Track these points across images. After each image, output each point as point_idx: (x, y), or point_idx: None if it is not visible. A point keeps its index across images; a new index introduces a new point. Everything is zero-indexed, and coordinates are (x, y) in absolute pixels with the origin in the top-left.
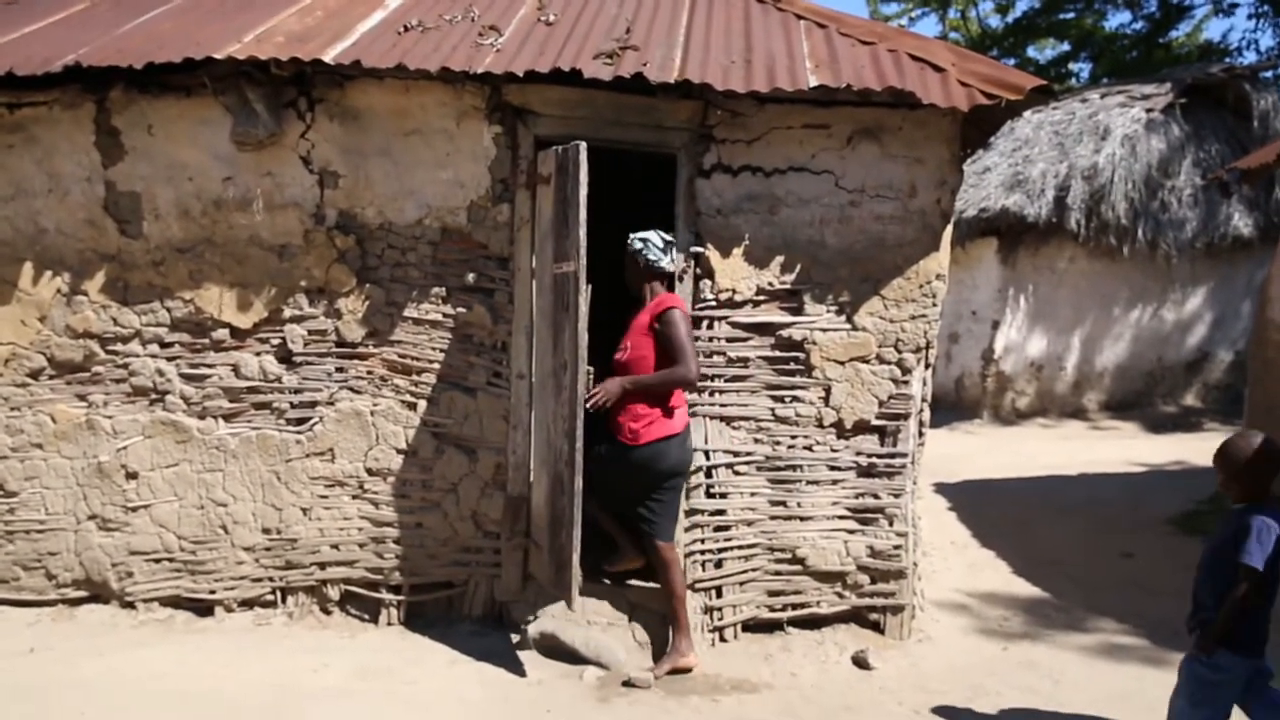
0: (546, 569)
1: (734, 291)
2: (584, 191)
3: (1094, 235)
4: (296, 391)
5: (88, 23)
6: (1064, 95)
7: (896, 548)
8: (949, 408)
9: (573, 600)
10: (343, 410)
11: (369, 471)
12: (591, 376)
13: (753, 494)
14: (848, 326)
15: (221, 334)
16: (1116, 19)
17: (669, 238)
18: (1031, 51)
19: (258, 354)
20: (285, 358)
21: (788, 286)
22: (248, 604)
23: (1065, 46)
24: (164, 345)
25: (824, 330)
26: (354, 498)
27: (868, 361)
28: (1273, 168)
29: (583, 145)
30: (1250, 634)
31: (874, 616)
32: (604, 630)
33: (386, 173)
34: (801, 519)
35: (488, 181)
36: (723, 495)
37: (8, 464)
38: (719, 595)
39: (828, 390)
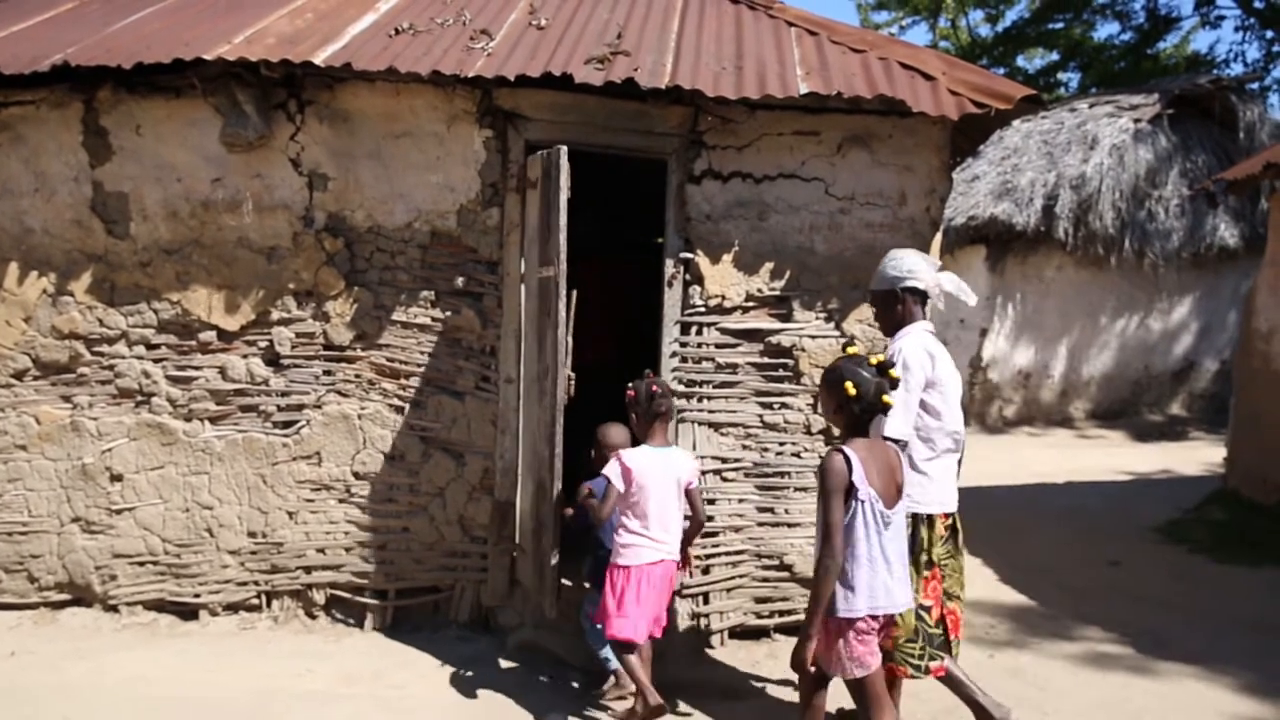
0: (531, 575)
1: (723, 298)
2: (565, 196)
3: (1081, 244)
4: (283, 394)
5: (76, 22)
6: (1053, 105)
7: None
8: None
9: (551, 606)
10: (330, 413)
11: (356, 475)
12: (572, 382)
13: (740, 500)
14: (836, 333)
15: (208, 336)
16: (1105, 29)
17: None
18: (1020, 61)
19: (245, 356)
20: (272, 360)
21: (777, 293)
22: (232, 608)
23: (1054, 56)
24: (150, 347)
25: (813, 337)
26: (340, 501)
27: None
28: (1258, 179)
29: (564, 150)
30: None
31: None
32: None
33: (376, 176)
34: (789, 525)
35: (478, 185)
36: (710, 501)
37: None
38: (706, 602)
39: (816, 397)
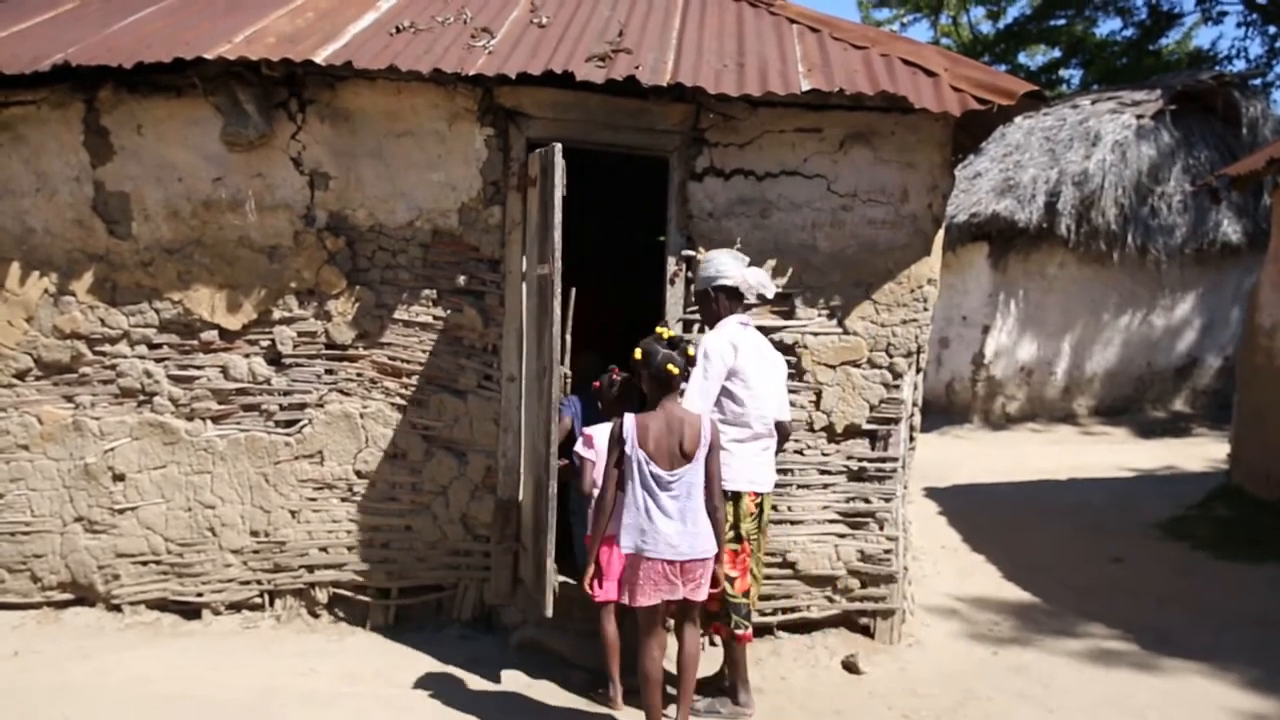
0: (530, 573)
1: None
2: (560, 194)
3: (1084, 241)
4: (285, 393)
5: (77, 22)
6: (1055, 101)
7: (887, 552)
8: (939, 412)
9: (547, 605)
10: (332, 412)
11: (358, 474)
12: (569, 380)
13: None
14: (839, 330)
15: (210, 335)
16: (1107, 26)
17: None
18: (1022, 58)
19: (247, 355)
20: (274, 359)
21: (779, 290)
22: (235, 607)
23: (1056, 53)
24: (152, 346)
25: (815, 334)
26: (343, 500)
27: (859, 365)
28: (1261, 174)
29: (558, 147)
30: None
31: (864, 621)
32: (593, 635)
33: (378, 174)
34: (792, 523)
35: (479, 184)
36: None
37: None
38: None
39: (819, 394)
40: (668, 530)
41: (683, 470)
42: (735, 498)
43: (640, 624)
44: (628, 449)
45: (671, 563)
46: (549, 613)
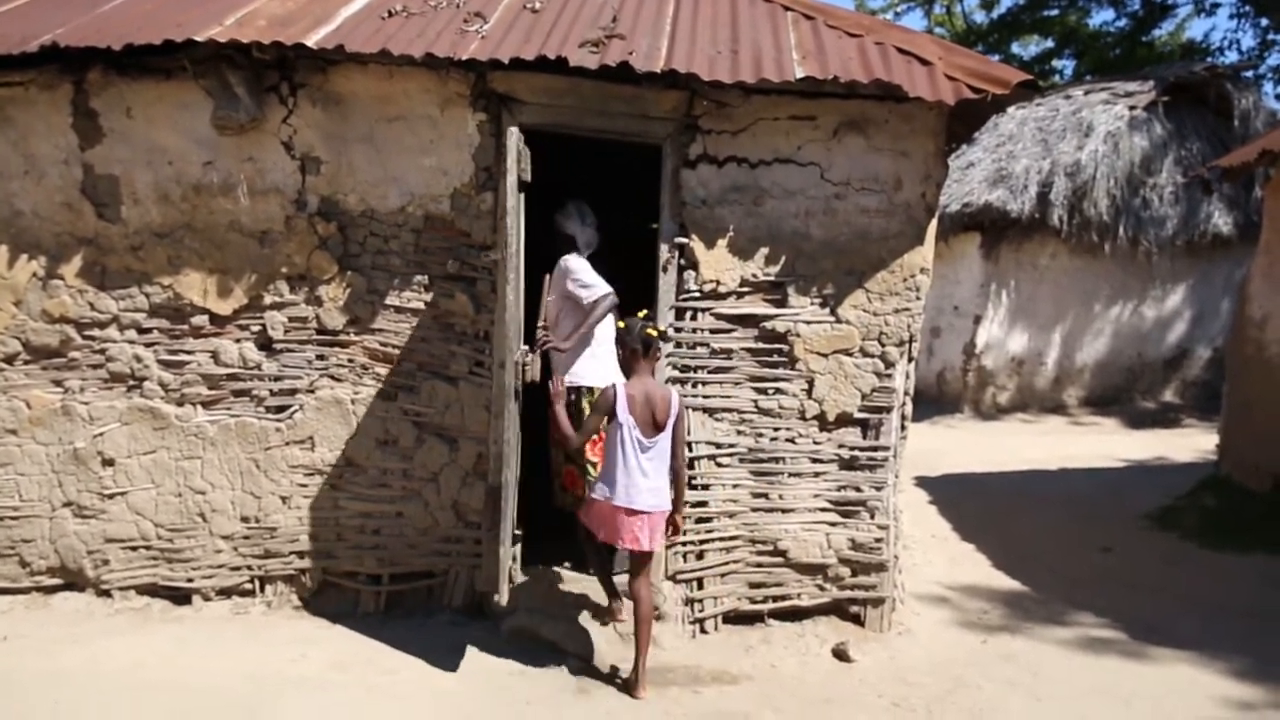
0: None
1: (718, 283)
2: (513, 179)
3: (1076, 231)
4: (276, 379)
5: (66, 2)
6: (1048, 92)
7: (878, 540)
8: (930, 402)
9: (501, 593)
10: (323, 398)
11: (349, 460)
12: (529, 365)
13: (735, 486)
14: (831, 319)
15: (201, 320)
16: (1100, 16)
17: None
18: (1015, 48)
19: (237, 341)
20: (265, 345)
21: (772, 278)
22: (226, 593)
23: (1049, 43)
24: (142, 331)
25: (808, 323)
26: (333, 486)
27: (851, 354)
28: (1253, 166)
29: (513, 130)
30: None
31: (855, 609)
32: (585, 622)
33: (369, 159)
34: (783, 511)
35: (471, 169)
36: (705, 487)
37: None
38: (700, 587)
39: (811, 383)
40: (645, 486)
41: (657, 438)
42: (591, 392)
43: (631, 568)
44: (619, 415)
45: (646, 513)
46: (504, 601)
